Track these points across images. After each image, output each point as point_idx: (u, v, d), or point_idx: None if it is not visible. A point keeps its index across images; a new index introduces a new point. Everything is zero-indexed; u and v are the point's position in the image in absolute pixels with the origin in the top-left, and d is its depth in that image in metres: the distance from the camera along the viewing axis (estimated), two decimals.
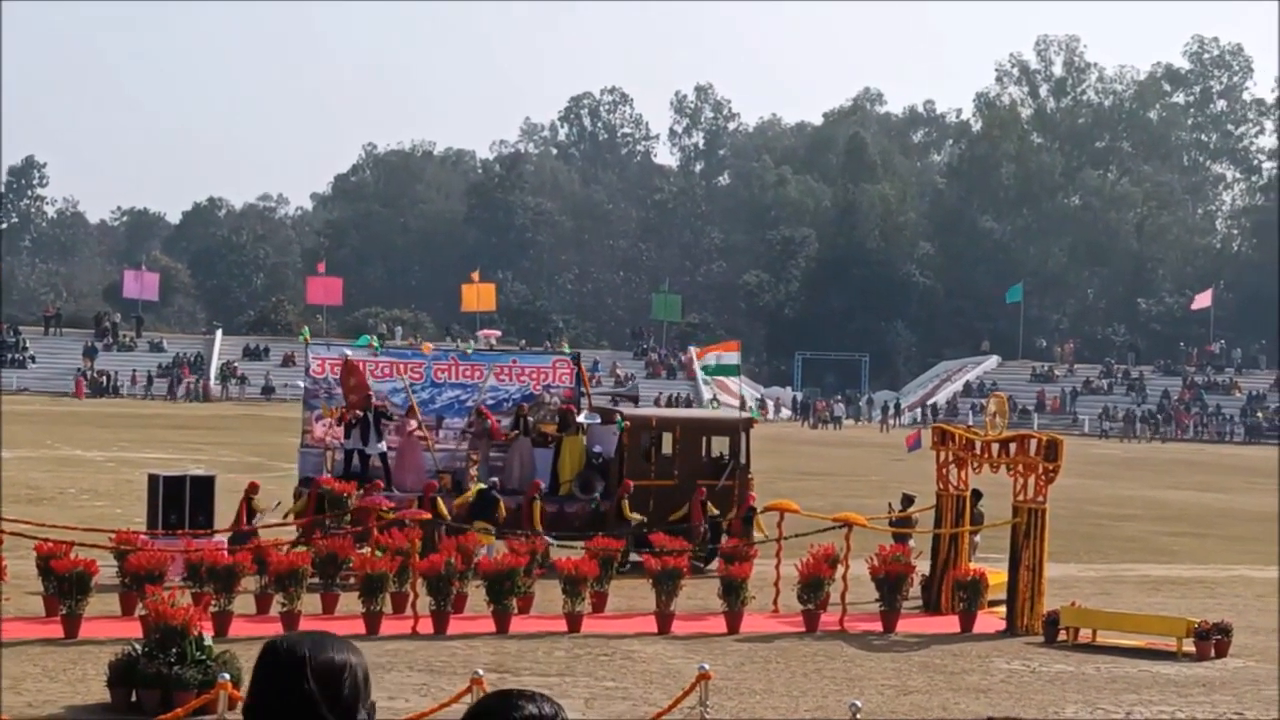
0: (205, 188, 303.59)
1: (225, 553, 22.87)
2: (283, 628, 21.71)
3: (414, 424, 30.02)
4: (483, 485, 28.79)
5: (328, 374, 30.56)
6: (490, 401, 31.04)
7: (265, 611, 22.86)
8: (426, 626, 22.24)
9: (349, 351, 31.23)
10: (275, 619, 22.16)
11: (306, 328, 33.08)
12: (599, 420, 30.98)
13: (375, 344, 32.62)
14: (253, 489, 27.49)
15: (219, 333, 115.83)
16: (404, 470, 29.59)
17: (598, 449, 30.38)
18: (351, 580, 23.53)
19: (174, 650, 17.20)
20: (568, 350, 33.41)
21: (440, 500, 27.58)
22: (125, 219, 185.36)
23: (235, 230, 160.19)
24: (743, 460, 30.62)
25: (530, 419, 31.04)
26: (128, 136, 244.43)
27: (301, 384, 31.56)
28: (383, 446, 29.56)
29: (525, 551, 24.00)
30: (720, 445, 31.00)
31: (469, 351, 33.35)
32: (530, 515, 28.18)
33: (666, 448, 30.54)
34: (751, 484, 30.57)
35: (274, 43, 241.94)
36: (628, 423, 30.46)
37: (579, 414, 30.99)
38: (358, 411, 29.46)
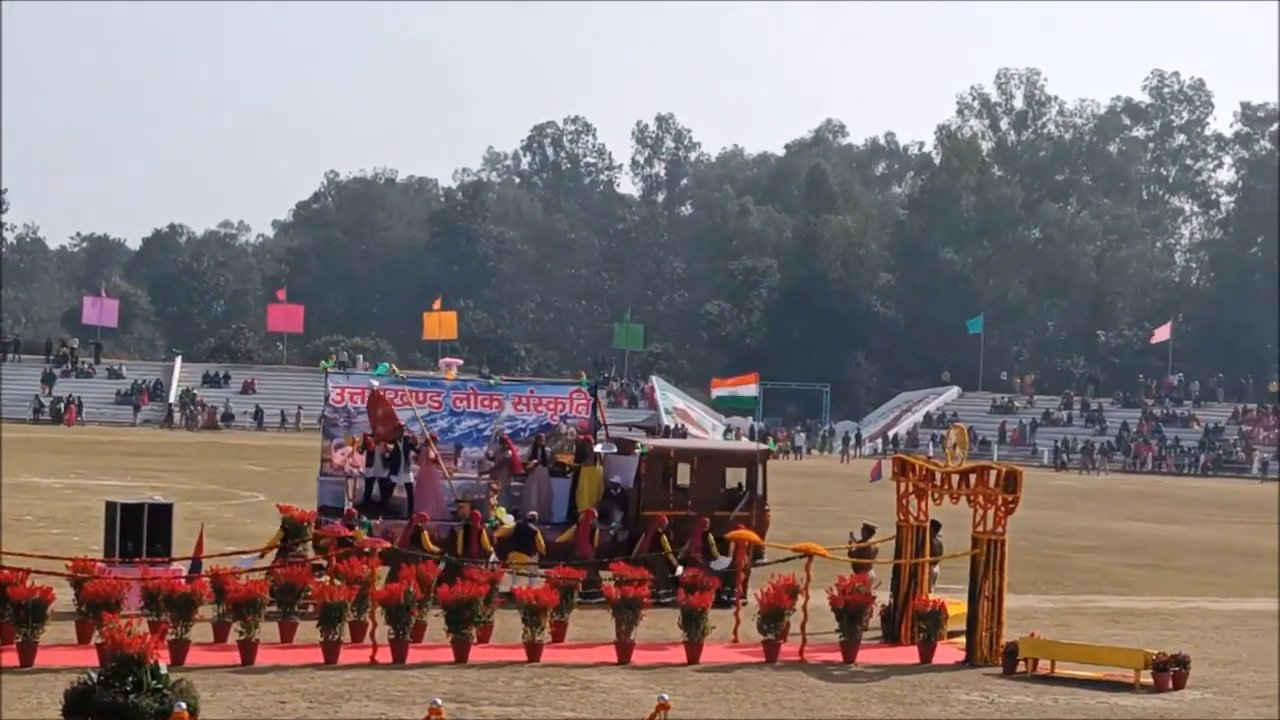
0: (166, 214, 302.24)
1: (183, 581, 22.75)
2: (240, 657, 21.62)
3: (432, 453, 30.10)
4: (511, 517, 29.10)
5: (347, 403, 30.65)
6: (508, 431, 31.17)
7: (223, 640, 22.74)
8: (385, 656, 22.15)
9: (374, 382, 31.27)
10: (233, 647, 22.05)
11: (328, 358, 33.06)
12: (615, 450, 31.13)
13: (396, 372, 32.63)
14: (349, 517, 27.88)
15: (178, 359, 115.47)
16: (423, 499, 29.67)
17: (616, 479, 30.47)
18: (310, 609, 23.43)
19: (130, 679, 17.05)
20: (585, 382, 33.46)
21: (426, 533, 27.68)
22: (85, 245, 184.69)
23: (196, 257, 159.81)
24: (759, 491, 30.75)
25: (548, 449, 31.14)
26: (88, 162, 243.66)
27: (323, 412, 31.60)
28: (410, 476, 29.65)
29: (484, 580, 23.94)
30: (737, 476, 31.11)
31: (492, 382, 33.61)
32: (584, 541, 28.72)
33: (684, 478, 30.65)
34: (768, 516, 30.75)
35: (235, 69, 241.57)
36: (648, 447, 30.62)
37: (597, 444, 31.11)
38: (389, 445, 29.55)
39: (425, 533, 27.62)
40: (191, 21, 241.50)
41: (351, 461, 30.14)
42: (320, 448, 31.45)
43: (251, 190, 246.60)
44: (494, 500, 29.86)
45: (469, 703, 19.56)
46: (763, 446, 34.66)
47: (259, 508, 44.92)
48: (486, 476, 30.67)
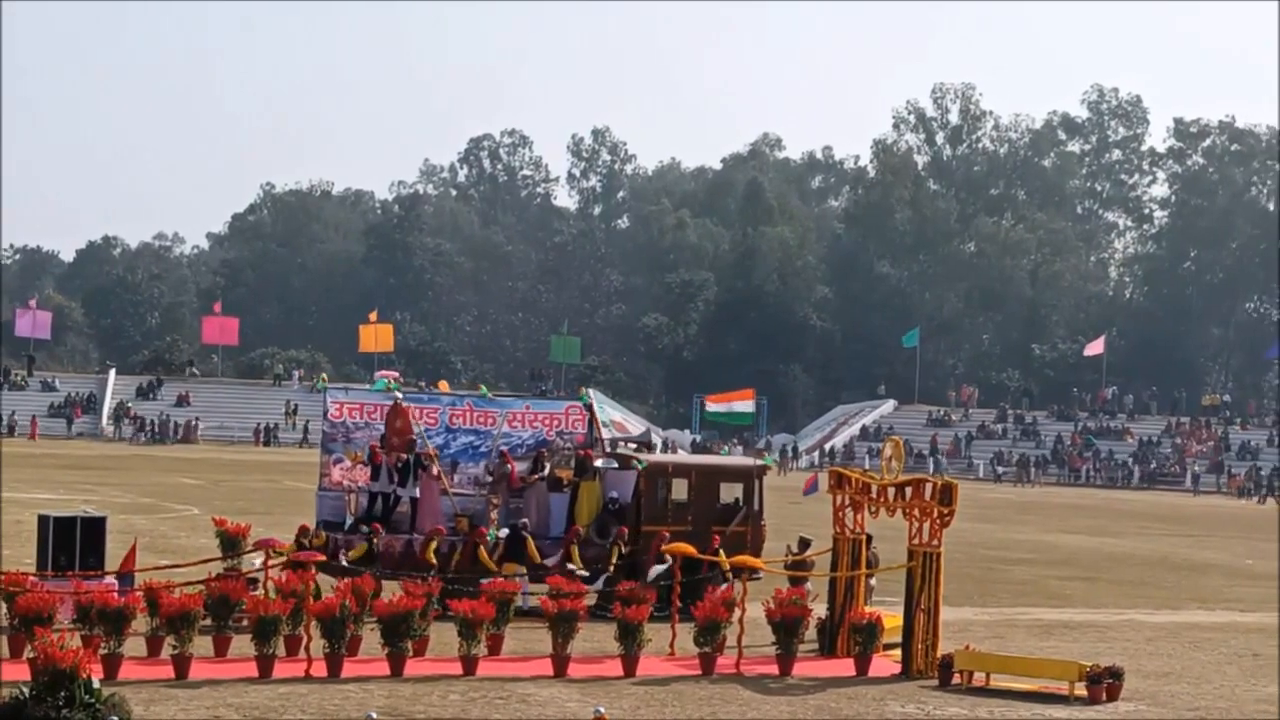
0: (100, 226, 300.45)
1: (115, 594, 22.58)
2: (174, 671, 21.47)
3: (435, 469, 30.09)
4: (506, 531, 29.22)
5: (345, 418, 30.61)
6: (503, 447, 31.17)
7: (156, 654, 22.58)
8: (320, 669, 22.05)
9: (399, 394, 31.31)
10: (166, 662, 21.90)
11: (323, 375, 32.94)
12: (616, 466, 31.18)
13: (393, 387, 32.62)
14: (302, 532, 27.90)
15: (112, 372, 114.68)
16: (423, 514, 29.73)
17: (614, 494, 30.52)
18: (244, 622, 23.29)
19: (63, 693, 16.93)
20: (582, 398, 33.50)
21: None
22: (18, 257, 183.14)
23: (130, 269, 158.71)
24: (756, 506, 30.82)
25: (548, 464, 31.18)
26: (20, 173, 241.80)
27: (321, 428, 31.63)
28: (416, 491, 29.70)
29: (421, 594, 23.85)
30: (734, 491, 31.21)
31: (489, 395, 33.70)
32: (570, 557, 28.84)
33: (681, 493, 30.71)
34: (764, 530, 30.87)
35: (171, 80, 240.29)
36: (647, 464, 30.77)
37: (597, 459, 31.10)
38: (402, 455, 29.56)
39: (433, 545, 28.15)
40: (126, 31, 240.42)
41: (351, 476, 30.11)
42: (319, 463, 31.47)
43: (186, 202, 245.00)
44: (494, 515, 29.98)
45: (404, 716, 19.48)
46: (759, 462, 34.82)
47: (193, 521, 44.66)
48: (485, 492, 30.72)
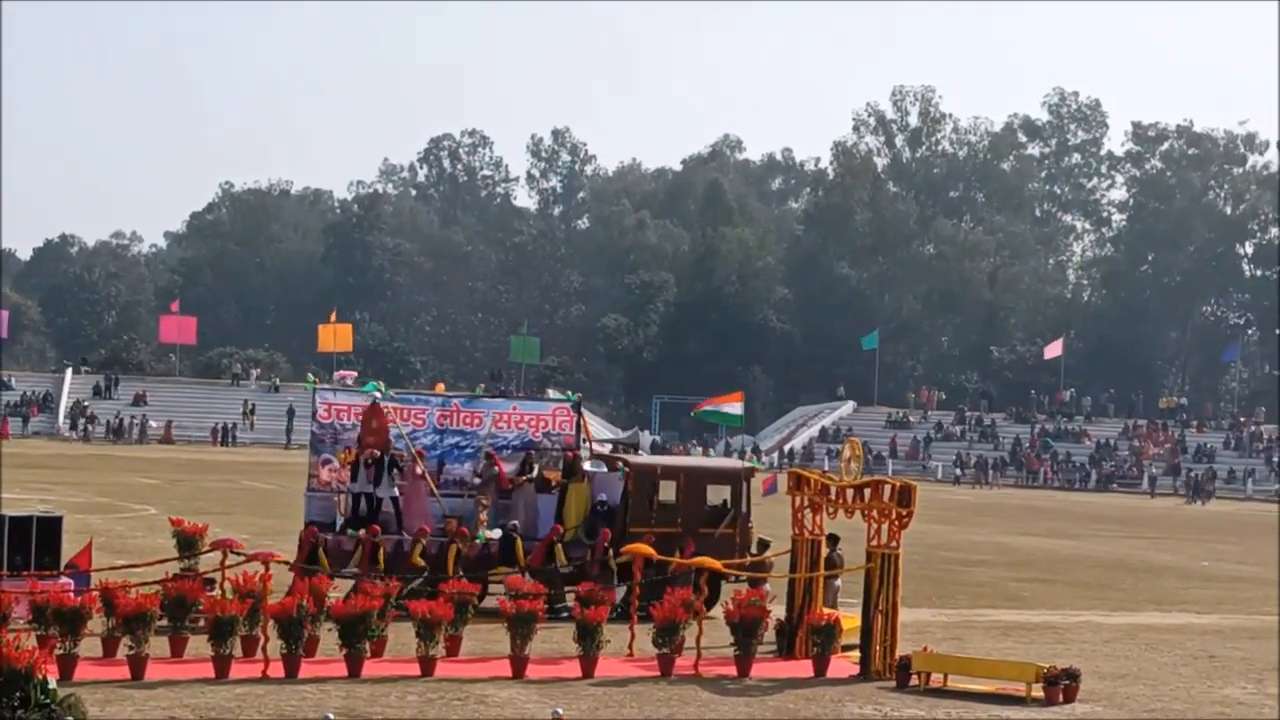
0: (57, 224, 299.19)
1: (71, 594, 22.45)
2: (130, 672, 21.36)
3: (420, 469, 30.08)
4: (498, 532, 29.27)
5: (334, 419, 30.66)
6: (490, 448, 31.19)
7: (112, 655, 22.45)
8: (277, 670, 21.95)
9: (378, 394, 31.27)
10: (122, 662, 21.78)
11: (312, 376, 32.98)
12: (605, 468, 31.15)
13: (382, 389, 32.58)
14: (312, 535, 28.22)
15: (69, 371, 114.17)
16: (410, 515, 29.69)
17: (602, 496, 30.48)
18: (200, 623, 23.18)
19: (17, 694, 16.84)
20: (570, 398, 33.50)
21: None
22: None
23: (87, 267, 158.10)
24: (744, 508, 30.83)
25: (537, 465, 31.18)
26: None
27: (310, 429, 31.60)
28: (395, 491, 29.66)
29: (379, 594, 23.78)
30: (721, 493, 31.19)
31: (477, 392, 33.80)
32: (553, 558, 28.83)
33: (669, 495, 30.69)
34: (752, 532, 30.80)
35: (130, 79, 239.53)
36: (634, 464, 30.78)
37: (586, 461, 31.02)
38: (375, 452, 29.56)
39: (420, 546, 28.15)
40: (85, 29, 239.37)
41: (339, 477, 30.14)
42: (308, 463, 31.44)
43: (145, 201, 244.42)
44: (483, 517, 29.97)
45: (362, 717, 19.41)
46: (747, 464, 34.84)
47: (150, 521, 44.47)
48: (474, 493, 30.70)
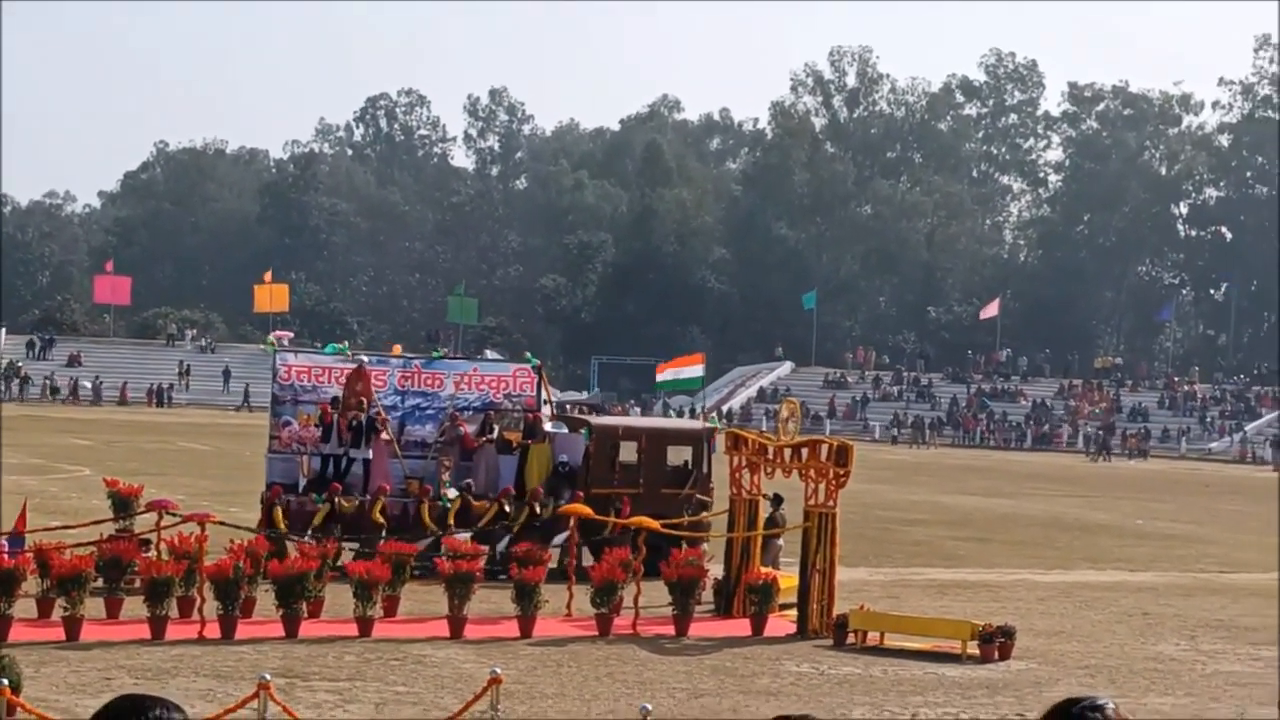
0: None
1: (6, 556, 22.30)
2: (65, 633, 21.25)
3: (385, 433, 30.11)
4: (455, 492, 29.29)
5: (294, 380, 30.65)
6: (454, 409, 31.15)
7: (47, 616, 22.33)
8: (214, 631, 21.88)
9: (365, 358, 31.44)
10: (57, 624, 21.66)
11: (272, 338, 32.81)
12: (565, 429, 31.05)
13: (345, 350, 32.44)
14: (275, 495, 28.42)
15: (2, 331, 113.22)
16: (375, 476, 29.77)
17: (564, 457, 30.49)
18: (136, 584, 23.07)
19: None
20: (530, 359, 33.50)
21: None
22: None
23: (20, 227, 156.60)
24: (705, 469, 30.83)
25: (497, 426, 31.10)
26: None
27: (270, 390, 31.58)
28: (369, 453, 29.74)
29: (316, 555, 23.73)
30: (683, 454, 31.23)
31: (435, 355, 33.99)
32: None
33: (629, 456, 30.67)
34: (712, 493, 30.82)
35: (62, 36, 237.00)
36: (595, 425, 30.78)
37: (546, 422, 30.97)
38: (359, 415, 29.59)
39: (381, 504, 28.29)
40: None
41: (302, 437, 30.07)
42: (268, 424, 31.44)
43: (78, 160, 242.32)
44: (445, 478, 29.95)
45: (299, 678, 19.37)
46: (708, 425, 35.02)
47: (84, 482, 44.20)
48: (435, 454, 30.65)
